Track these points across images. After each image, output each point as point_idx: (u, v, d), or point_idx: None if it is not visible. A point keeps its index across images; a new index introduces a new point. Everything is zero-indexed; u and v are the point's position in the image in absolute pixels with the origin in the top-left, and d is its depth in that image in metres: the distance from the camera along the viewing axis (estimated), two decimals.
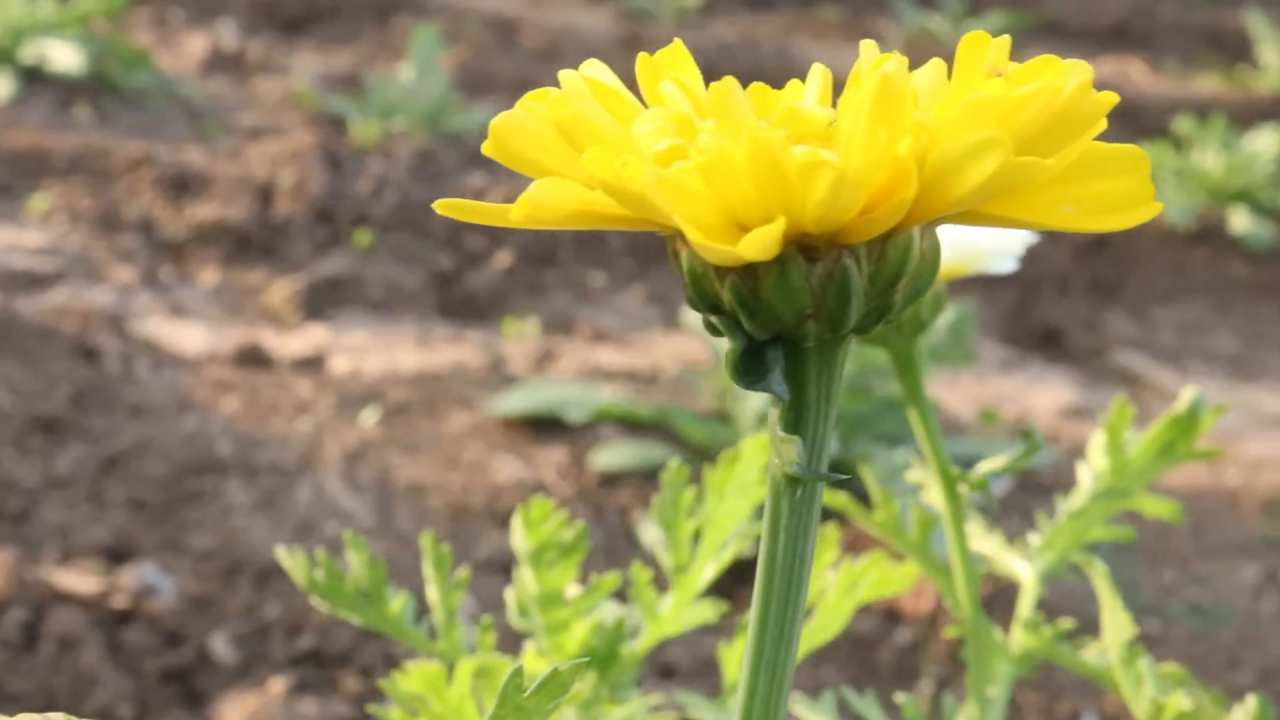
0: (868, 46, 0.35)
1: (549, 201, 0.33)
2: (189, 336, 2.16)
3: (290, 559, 0.57)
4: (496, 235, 2.65)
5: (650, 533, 1.68)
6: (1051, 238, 2.84)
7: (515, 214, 0.34)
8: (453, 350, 2.24)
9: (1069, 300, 2.75)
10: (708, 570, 0.54)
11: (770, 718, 0.35)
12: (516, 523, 0.55)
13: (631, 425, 1.89)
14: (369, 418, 1.92)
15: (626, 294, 2.59)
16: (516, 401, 1.89)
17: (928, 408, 0.58)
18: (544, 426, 1.89)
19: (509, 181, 2.78)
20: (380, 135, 2.85)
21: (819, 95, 0.37)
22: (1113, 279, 2.82)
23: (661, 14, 4.09)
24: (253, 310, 2.34)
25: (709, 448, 1.81)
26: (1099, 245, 2.86)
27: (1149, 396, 2.48)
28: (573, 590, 0.54)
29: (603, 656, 0.53)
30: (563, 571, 0.54)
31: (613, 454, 1.80)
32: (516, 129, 0.35)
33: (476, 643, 0.55)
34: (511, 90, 3.53)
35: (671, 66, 0.37)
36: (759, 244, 0.31)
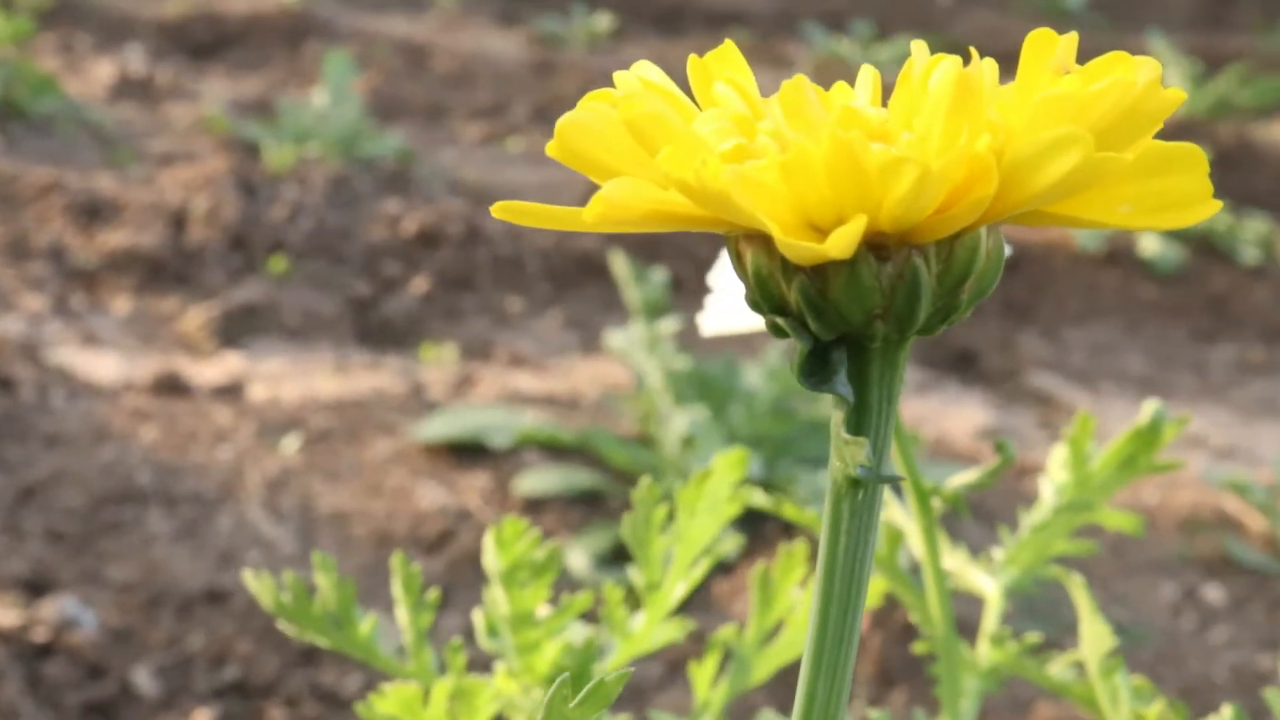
0: (919, 47, 0.35)
1: (623, 201, 0.33)
2: (103, 365, 2.14)
3: (256, 581, 0.56)
4: (413, 261, 2.64)
5: (576, 558, 1.68)
6: None
7: (589, 215, 0.33)
8: (371, 377, 2.23)
9: (982, 323, 2.77)
10: (679, 588, 0.54)
11: (832, 717, 0.35)
12: (489, 542, 0.55)
13: (555, 450, 1.88)
14: (290, 445, 1.90)
15: (544, 319, 2.58)
16: (439, 427, 1.88)
17: (900, 422, 0.58)
18: (467, 452, 1.88)
19: (424, 206, 2.77)
20: (294, 161, 2.83)
21: (870, 96, 0.37)
22: (1025, 301, 2.85)
23: (573, 39, 4.09)
24: (167, 338, 2.31)
25: (633, 472, 1.81)
26: (1011, 268, 2.88)
27: (1061, 417, 2.50)
28: (543, 611, 0.54)
29: (574, 676, 0.52)
30: (535, 591, 0.53)
31: (536, 479, 1.79)
32: (582, 129, 0.35)
33: (446, 664, 0.55)
34: (424, 115, 3.52)
35: (722, 68, 0.36)
36: (843, 242, 0.31)
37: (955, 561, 0.57)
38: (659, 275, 1.81)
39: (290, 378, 2.20)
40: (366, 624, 0.55)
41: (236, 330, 2.33)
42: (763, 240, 0.35)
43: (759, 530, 1.73)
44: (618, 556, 1.68)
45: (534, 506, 1.79)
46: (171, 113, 3.32)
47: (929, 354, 2.64)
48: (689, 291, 2.65)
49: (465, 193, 2.92)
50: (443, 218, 2.74)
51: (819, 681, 0.35)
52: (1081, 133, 0.30)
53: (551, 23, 4.22)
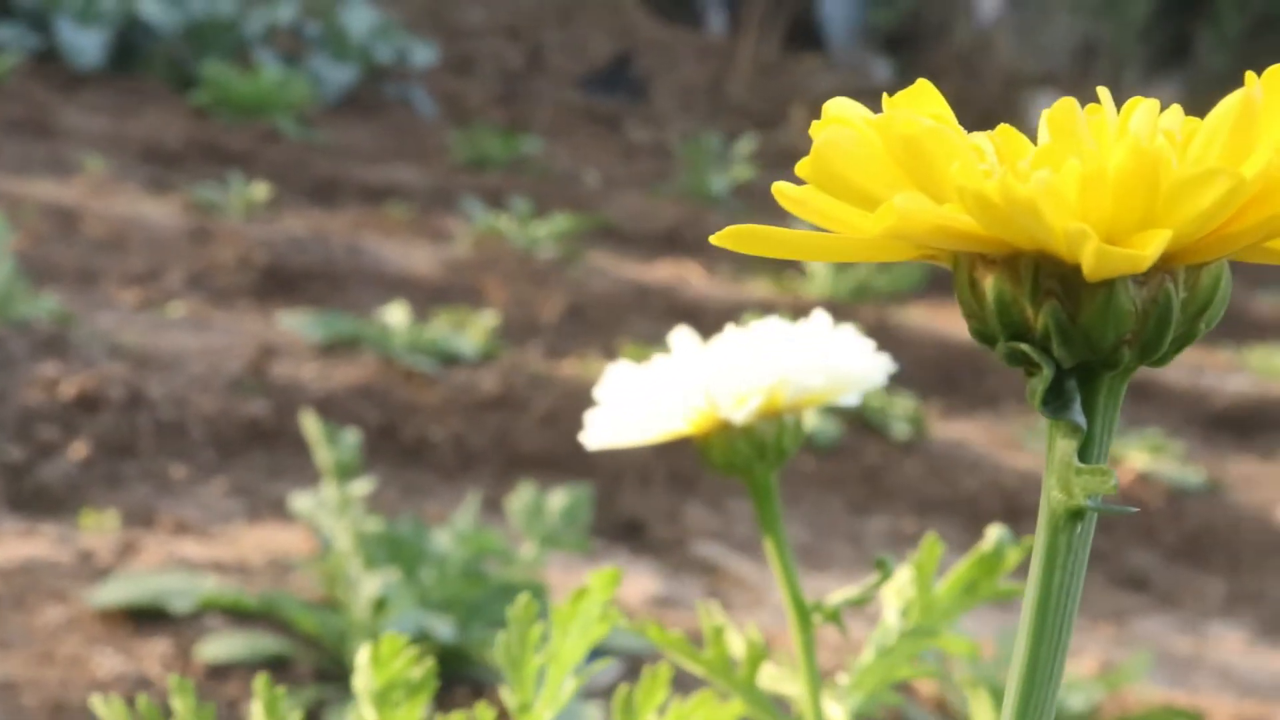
0: (1104, 93, 0.36)
1: (914, 214, 0.32)
2: None
3: (105, 706, 0.53)
4: (71, 426, 2.55)
5: None
6: None
7: (879, 224, 0.33)
8: (26, 545, 2.13)
9: (650, 492, 2.80)
10: (549, 710, 0.53)
11: None
12: (363, 660, 0.53)
13: (238, 615, 1.83)
14: None
15: (209, 486, 2.52)
16: (115, 592, 1.81)
17: (783, 539, 0.58)
18: (145, 618, 1.81)
19: (84, 370, 2.68)
20: None
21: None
22: (691, 472, 2.89)
23: (230, 207, 4.04)
24: None
25: (321, 637, 1.76)
26: (677, 441, 2.93)
27: (728, 586, 2.54)
28: None
29: None
30: (408, 712, 0.52)
31: (220, 645, 1.74)
32: (841, 150, 0.34)
33: None
34: (76, 280, 3.43)
35: (919, 104, 0.36)
36: (1153, 250, 0.31)
37: (797, 687, 0.57)
38: (351, 436, 1.79)
39: None
40: None
41: None
42: (1007, 264, 0.35)
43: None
44: None
45: (218, 673, 1.73)
46: None
47: (599, 522, 2.66)
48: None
49: (126, 357, 2.85)
50: (103, 382, 2.66)
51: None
52: None
53: (207, 191, 4.16)
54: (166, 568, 2.06)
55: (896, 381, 3.48)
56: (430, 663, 0.53)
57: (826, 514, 2.89)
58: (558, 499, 1.89)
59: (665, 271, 4.32)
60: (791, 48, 7.75)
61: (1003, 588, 0.58)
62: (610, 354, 3.46)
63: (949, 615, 0.57)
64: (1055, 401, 0.35)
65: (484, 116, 6.25)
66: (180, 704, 0.53)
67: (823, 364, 0.61)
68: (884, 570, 0.56)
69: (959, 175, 0.32)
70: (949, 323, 4.29)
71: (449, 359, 3.08)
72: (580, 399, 2.99)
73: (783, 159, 6.34)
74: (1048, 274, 0.35)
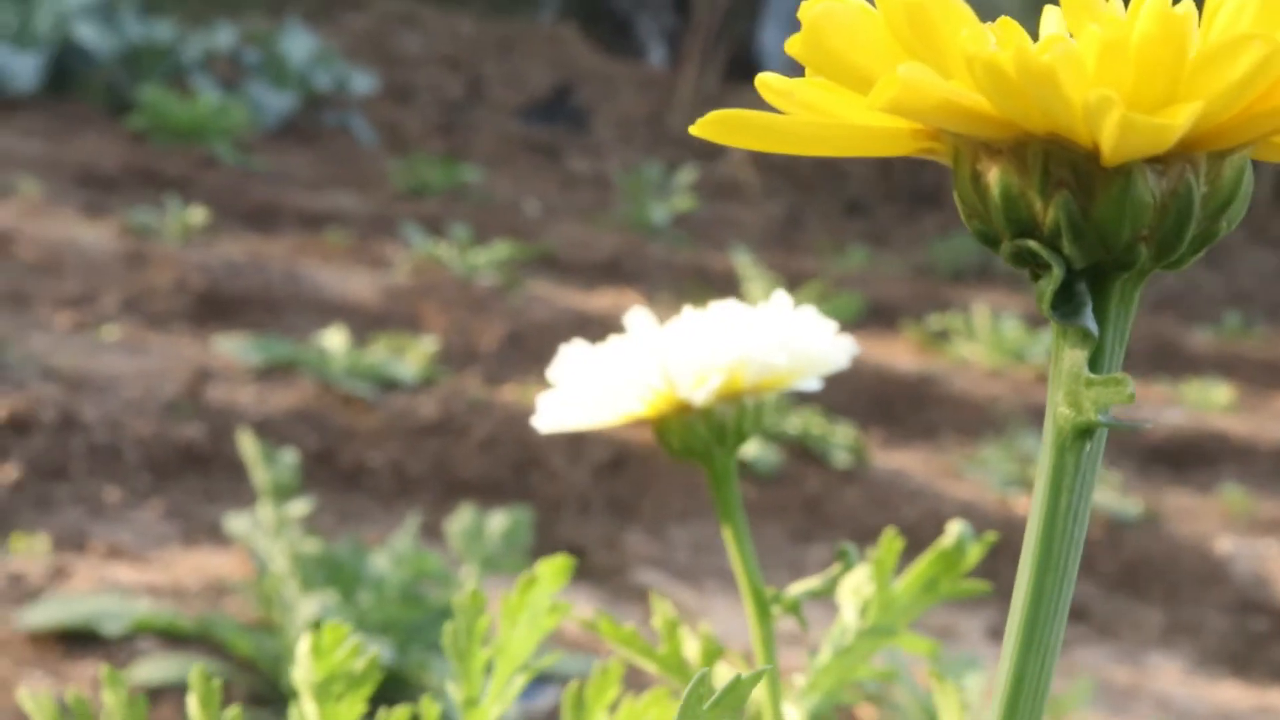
0: None
1: (918, 85, 0.30)
2: None
3: (33, 701, 0.51)
4: (2, 448, 2.51)
5: None
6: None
7: (880, 98, 0.30)
8: None
9: (590, 519, 2.79)
10: (497, 705, 0.51)
11: (1040, 700, 0.33)
12: (303, 651, 0.51)
13: (173, 638, 1.80)
14: None
15: (143, 510, 2.48)
16: (46, 613, 1.78)
17: (742, 524, 0.57)
18: (77, 640, 1.78)
19: (14, 393, 2.64)
20: None
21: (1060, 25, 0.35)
22: (631, 499, 2.88)
23: (166, 231, 4.01)
24: None
25: (256, 660, 1.74)
26: (616, 467, 2.91)
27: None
28: None
29: None
30: (350, 705, 0.50)
31: (153, 668, 1.70)
32: (838, 23, 0.32)
33: None
34: (8, 303, 3.39)
35: None
36: (1183, 120, 0.29)
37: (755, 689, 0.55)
38: (290, 456, 1.76)
39: None
40: None
41: None
42: (1014, 153, 0.33)
43: None
44: None
45: (151, 697, 1.70)
46: None
47: (538, 548, 2.63)
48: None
49: (58, 379, 2.81)
50: (34, 404, 2.62)
51: (1030, 658, 0.33)
52: None
53: (143, 215, 4.12)
54: (99, 591, 2.03)
55: (837, 410, 3.48)
56: (374, 653, 0.51)
57: (765, 541, 2.88)
58: (498, 521, 1.88)
59: (605, 300, 4.31)
60: (731, 80, 7.77)
61: (963, 585, 0.56)
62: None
63: (908, 613, 0.56)
64: (1065, 306, 0.32)
65: (424, 145, 6.23)
66: (110, 697, 0.51)
67: (785, 344, 0.59)
68: (846, 560, 0.54)
69: (969, 43, 0.30)
70: (888, 353, 4.29)
71: (388, 384, 3.05)
72: (519, 426, 2.97)
73: (723, 190, 6.35)
74: (1059, 162, 0.32)
